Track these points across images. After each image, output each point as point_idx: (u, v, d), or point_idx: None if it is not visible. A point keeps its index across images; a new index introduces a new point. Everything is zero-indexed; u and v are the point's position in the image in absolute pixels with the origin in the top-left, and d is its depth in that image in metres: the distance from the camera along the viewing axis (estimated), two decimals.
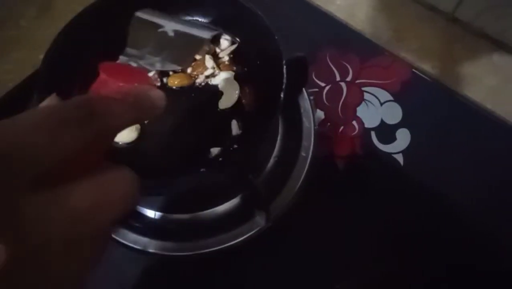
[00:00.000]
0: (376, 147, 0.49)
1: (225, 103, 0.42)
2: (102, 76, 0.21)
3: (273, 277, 0.43)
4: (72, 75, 0.43)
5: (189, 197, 0.44)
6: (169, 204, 0.44)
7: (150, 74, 0.41)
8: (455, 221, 0.45)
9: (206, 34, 0.33)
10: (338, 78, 0.54)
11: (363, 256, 0.43)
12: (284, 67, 0.37)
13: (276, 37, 0.39)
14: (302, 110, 0.47)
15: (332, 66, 0.55)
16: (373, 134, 0.50)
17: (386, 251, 0.44)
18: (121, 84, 0.21)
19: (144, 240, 0.41)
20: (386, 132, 0.50)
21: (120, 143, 0.40)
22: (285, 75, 0.37)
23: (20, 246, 0.13)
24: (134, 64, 0.27)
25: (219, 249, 0.40)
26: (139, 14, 0.32)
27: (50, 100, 0.21)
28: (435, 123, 0.51)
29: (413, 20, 0.58)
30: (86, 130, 0.16)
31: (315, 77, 0.54)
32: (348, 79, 0.54)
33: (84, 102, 0.17)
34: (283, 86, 0.36)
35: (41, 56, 0.39)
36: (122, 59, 0.27)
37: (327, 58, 0.55)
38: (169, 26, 0.32)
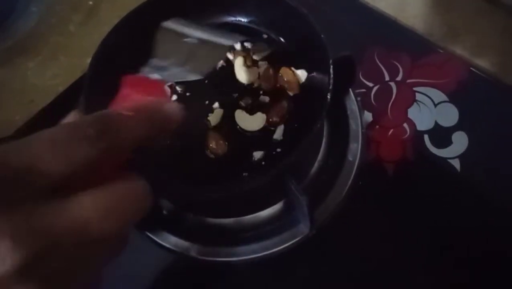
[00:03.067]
0: (429, 152, 0.47)
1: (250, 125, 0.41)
2: (125, 89, 0.22)
3: (315, 287, 0.42)
4: (118, 79, 0.44)
5: (231, 202, 0.43)
6: (211, 208, 0.43)
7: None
8: None
9: (232, 41, 0.33)
10: (387, 78, 0.51)
11: (411, 268, 0.41)
12: (331, 67, 0.35)
13: (323, 36, 0.37)
14: (348, 112, 0.45)
15: (380, 65, 0.52)
16: (426, 137, 0.47)
17: (436, 264, 0.41)
18: (140, 97, 0.22)
19: (185, 244, 0.41)
20: (441, 135, 0.47)
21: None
22: (331, 75, 0.35)
23: (33, 249, 0.15)
24: (157, 76, 0.27)
25: (260, 256, 0.39)
26: (165, 24, 0.32)
27: (72, 117, 0.23)
28: (495, 125, 0.47)
29: (470, 14, 0.55)
30: (96, 146, 0.18)
31: (363, 77, 0.52)
32: (398, 78, 0.51)
33: (96, 119, 0.19)
34: (330, 87, 0.35)
35: (88, 61, 0.40)
36: (144, 70, 0.27)
37: (375, 57, 0.53)
38: (195, 35, 0.31)
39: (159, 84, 0.27)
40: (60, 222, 0.16)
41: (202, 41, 0.32)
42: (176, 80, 0.28)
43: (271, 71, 0.42)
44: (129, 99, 0.22)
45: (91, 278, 0.18)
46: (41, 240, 0.15)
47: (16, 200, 0.15)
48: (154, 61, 0.29)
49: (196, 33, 0.32)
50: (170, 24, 0.32)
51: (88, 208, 0.17)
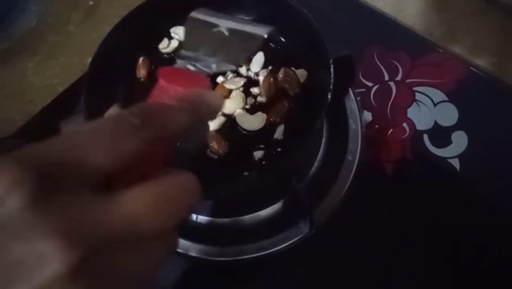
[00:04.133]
0: (429, 151, 0.47)
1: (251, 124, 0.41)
2: (161, 82, 0.21)
3: (315, 287, 0.42)
4: (118, 78, 0.44)
5: (231, 201, 0.43)
6: (211, 207, 0.43)
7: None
8: None
9: (262, 31, 0.32)
10: (386, 78, 0.51)
11: (411, 268, 0.41)
12: (332, 66, 0.35)
13: (323, 35, 0.37)
14: (348, 112, 0.45)
15: (380, 64, 0.52)
16: (425, 137, 0.47)
17: (436, 263, 0.41)
18: (179, 89, 0.21)
19: (185, 243, 0.41)
20: (441, 134, 0.47)
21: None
22: (332, 75, 0.35)
23: (84, 248, 0.14)
24: (191, 67, 0.26)
25: (260, 255, 0.39)
26: (193, 14, 0.31)
27: (113, 110, 0.22)
28: (494, 125, 0.47)
29: (468, 13, 0.55)
30: (142, 137, 0.17)
31: (362, 77, 0.52)
32: (398, 78, 0.51)
33: (141, 110, 0.18)
34: (330, 87, 0.35)
35: (89, 60, 0.40)
36: (178, 62, 0.27)
37: (375, 56, 0.53)
38: (224, 24, 0.31)
39: (195, 74, 0.26)
40: (111, 219, 0.15)
41: (233, 31, 0.31)
42: (209, 71, 0.27)
43: (270, 79, 0.42)
44: (167, 91, 0.21)
45: (145, 279, 0.17)
46: (92, 238, 0.14)
47: (64, 196, 0.15)
48: (184, 52, 0.28)
49: (225, 22, 0.31)
50: (198, 14, 0.31)
51: (139, 203, 0.16)
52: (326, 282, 0.42)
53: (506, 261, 0.40)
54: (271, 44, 0.44)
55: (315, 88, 0.39)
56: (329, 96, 0.34)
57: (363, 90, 0.51)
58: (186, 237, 0.41)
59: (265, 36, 0.31)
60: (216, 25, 0.30)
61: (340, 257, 0.43)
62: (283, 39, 0.44)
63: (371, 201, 0.44)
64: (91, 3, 0.61)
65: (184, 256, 0.40)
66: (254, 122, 0.40)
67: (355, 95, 0.46)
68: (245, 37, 0.31)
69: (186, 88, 0.21)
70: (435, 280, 0.41)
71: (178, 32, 0.46)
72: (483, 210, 0.43)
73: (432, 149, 0.47)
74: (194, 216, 0.43)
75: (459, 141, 0.46)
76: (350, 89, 0.46)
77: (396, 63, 0.52)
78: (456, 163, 0.45)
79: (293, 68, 0.42)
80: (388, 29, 0.55)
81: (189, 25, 0.30)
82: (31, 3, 0.62)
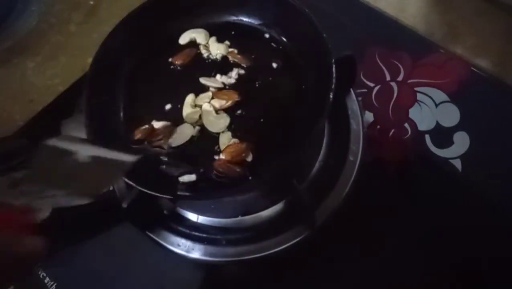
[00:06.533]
0: (430, 152, 0.46)
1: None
2: None
3: (316, 287, 0.42)
4: (119, 78, 0.44)
5: (232, 201, 0.43)
6: (212, 208, 0.43)
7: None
8: None
9: (129, 158, 0.28)
10: (388, 78, 0.51)
11: (412, 268, 0.41)
12: (334, 66, 0.35)
13: (325, 35, 0.37)
14: (349, 112, 0.45)
15: (381, 65, 0.52)
16: (427, 137, 0.47)
17: (437, 264, 0.41)
18: None
19: (187, 243, 0.41)
20: (442, 135, 0.47)
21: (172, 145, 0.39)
22: (334, 75, 0.35)
23: None
24: (23, 201, 0.23)
25: (261, 256, 0.39)
26: (48, 142, 0.26)
27: None
28: (496, 126, 0.47)
29: (470, 14, 0.55)
30: None
31: (364, 77, 0.52)
32: (399, 78, 0.51)
33: None
34: (332, 87, 0.35)
35: (89, 60, 0.40)
36: (12, 195, 0.23)
37: (376, 57, 0.53)
38: (84, 151, 0.26)
39: (24, 215, 0.23)
40: None
41: (95, 158, 0.26)
42: (54, 206, 0.25)
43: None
44: None
45: None
46: None
47: None
48: (26, 188, 0.23)
49: (86, 149, 0.27)
50: (55, 141, 0.26)
51: None
52: (328, 282, 0.42)
53: (507, 261, 0.40)
54: (272, 44, 0.44)
55: (317, 88, 0.39)
56: (331, 96, 0.34)
57: (365, 90, 0.51)
58: (188, 238, 0.41)
59: (134, 160, 0.28)
60: (73, 152, 0.26)
61: (342, 257, 0.42)
62: (284, 39, 0.44)
63: (373, 201, 0.44)
64: (91, 3, 0.61)
65: (186, 257, 0.40)
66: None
67: (357, 95, 0.45)
68: (108, 163, 0.27)
69: (4, 229, 0.20)
70: (436, 281, 0.40)
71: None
72: (484, 211, 0.43)
73: (433, 149, 0.46)
74: (195, 217, 0.43)
75: (461, 141, 0.46)
76: (351, 89, 0.45)
77: (398, 64, 0.52)
78: (457, 163, 0.45)
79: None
80: (390, 30, 0.55)
81: (40, 154, 0.25)
82: (31, 3, 0.61)
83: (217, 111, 0.41)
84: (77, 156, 0.26)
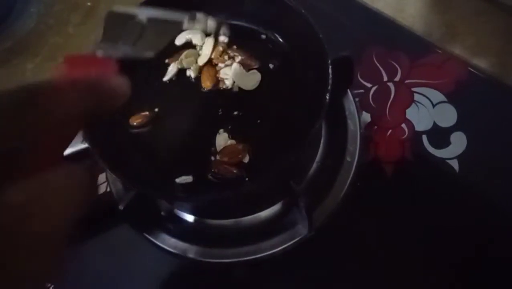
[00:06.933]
0: (428, 152, 0.46)
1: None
2: (66, 70, 0.21)
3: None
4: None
5: (228, 203, 0.43)
6: (209, 209, 0.43)
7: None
8: None
9: (181, 17, 0.33)
10: (385, 78, 0.51)
11: (410, 269, 0.41)
12: (330, 67, 0.35)
13: (321, 36, 0.37)
14: (347, 113, 0.45)
15: (379, 65, 0.52)
16: (424, 138, 0.47)
17: (435, 264, 0.41)
18: (82, 76, 0.21)
19: (183, 245, 0.41)
20: (439, 135, 0.47)
21: None
22: (330, 76, 0.35)
23: None
24: (104, 53, 0.26)
25: (259, 257, 0.39)
26: (114, 8, 0.31)
27: None
28: (494, 126, 0.47)
29: (468, 14, 0.55)
30: (25, 119, 0.17)
31: (361, 78, 0.52)
32: (397, 79, 0.51)
33: (21, 91, 0.18)
34: (329, 87, 0.35)
35: None
36: (92, 49, 0.27)
37: (374, 57, 0.53)
38: (143, 14, 0.31)
39: (104, 60, 0.25)
40: None
41: (152, 20, 0.31)
42: (125, 58, 0.27)
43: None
44: (71, 78, 0.21)
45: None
46: None
47: None
48: (102, 45, 0.28)
49: (144, 12, 0.31)
50: (119, 7, 0.31)
51: (17, 196, 0.16)
52: (325, 283, 0.42)
53: (505, 261, 0.40)
54: (269, 45, 0.44)
55: (313, 89, 0.39)
56: (327, 97, 0.34)
57: (362, 91, 0.51)
58: (184, 239, 0.41)
59: (185, 20, 0.32)
60: (135, 16, 0.30)
61: (340, 258, 0.42)
62: (281, 40, 0.44)
63: (370, 202, 0.44)
64: (89, 4, 0.61)
65: (182, 258, 0.40)
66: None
67: (354, 96, 0.45)
68: (164, 24, 0.31)
69: (92, 74, 0.21)
70: (434, 281, 0.40)
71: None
72: (482, 211, 0.43)
73: (431, 150, 0.46)
74: (192, 218, 0.43)
75: (458, 142, 0.46)
76: (348, 90, 0.45)
77: (395, 64, 0.52)
78: (455, 164, 0.45)
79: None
80: (387, 30, 0.55)
81: (108, 20, 0.30)
82: (30, 5, 0.62)
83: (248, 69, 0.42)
84: (138, 19, 0.30)
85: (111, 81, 0.22)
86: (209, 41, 0.43)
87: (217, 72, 0.42)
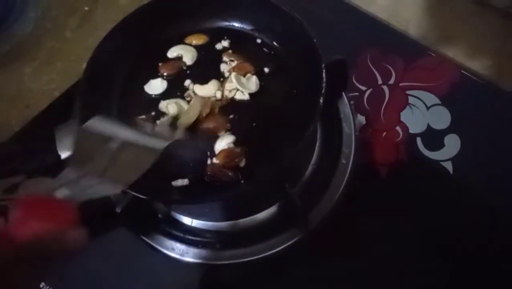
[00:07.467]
0: (422, 154, 0.47)
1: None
2: (21, 212, 0.21)
3: None
4: (113, 82, 0.44)
5: (225, 205, 0.43)
6: (206, 211, 0.43)
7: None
8: (510, 237, 0.41)
9: (160, 144, 0.30)
10: (380, 82, 0.52)
11: (405, 270, 0.41)
12: (324, 71, 0.36)
13: (315, 40, 0.37)
14: (341, 116, 0.45)
15: (373, 68, 0.52)
16: (418, 140, 0.48)
17: (429, 265, 0.41)
18: (40, 223, 0.20)
19: (181, 247, 0.41)
20: (433, 138, 0.47)
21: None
22: (324, 79, 0.36)
23: None
24: (66, 192, 0.23)
25: (255, 259, 0.40)
26: (87, 125, 0.28)
27: None
28: (487, 128, 0.47)
29: (462, 18, 0.55)
30: None
31: (355, 81, 0.52)
32: (391, 82, 0.51)
33: None
34: (323, 91, 0.35)
35: (84, 66, 0.40)
36: (54, 183, 0.24)
37: (368, 60, 0.53)
38: (119, 137, 0.28)
39: (64, 205, 0.23)
40: None
41: (128, 145, 0.28)
42: (89, 197, 0.24)
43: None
44: (27, 223, 0.21)
45: None
46: None
47: None
48: (67, 171, 0.25)
49: (121, 133, 0.28)
50: (92, 124, 0.28)
51: None
52: (321, 283, 0.42)
53: (498, 261, 0.40)
54: (264, 49, 0.45)
55: (308, 92, 0.39)
56: (321, 101, 0.35)
57: (357, 94, 0.51)
58: (182, 242, 0.41)
59: (163, 148, 0.29)
60: (110, 138, 0.28)
61: (335, 259, 0.43)
62: (276, 44, 0.45)
63: (365, 204, 0.44)
64: (86, 8, 0.62)
65: (180, 261, 0.41)
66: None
67: (349, 99, 0.46)
68: (139, 151, 0.29)
69: (48, 221, 0.21)
70: (429, 281, 0.41)
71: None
72: (475, 212, 0.43)
73: (425, 152, 0.47)
74: (189, 220, 0.44)
75: (452, 144, 0.47)
76: (343, 93, 0.46)
77: (389, 67, 0.52)
78: (449, 166, 0.46)
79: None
80: (381, 33, 0.55)
81: (81, 137, 0.27)
82: (28, 9, 0.62)
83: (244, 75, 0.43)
84: (114, 143, 0.27)
85: (66, 236, 0.21)
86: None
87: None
